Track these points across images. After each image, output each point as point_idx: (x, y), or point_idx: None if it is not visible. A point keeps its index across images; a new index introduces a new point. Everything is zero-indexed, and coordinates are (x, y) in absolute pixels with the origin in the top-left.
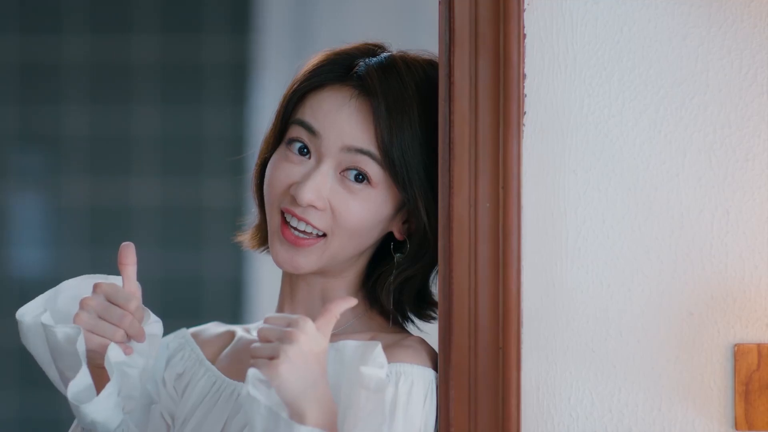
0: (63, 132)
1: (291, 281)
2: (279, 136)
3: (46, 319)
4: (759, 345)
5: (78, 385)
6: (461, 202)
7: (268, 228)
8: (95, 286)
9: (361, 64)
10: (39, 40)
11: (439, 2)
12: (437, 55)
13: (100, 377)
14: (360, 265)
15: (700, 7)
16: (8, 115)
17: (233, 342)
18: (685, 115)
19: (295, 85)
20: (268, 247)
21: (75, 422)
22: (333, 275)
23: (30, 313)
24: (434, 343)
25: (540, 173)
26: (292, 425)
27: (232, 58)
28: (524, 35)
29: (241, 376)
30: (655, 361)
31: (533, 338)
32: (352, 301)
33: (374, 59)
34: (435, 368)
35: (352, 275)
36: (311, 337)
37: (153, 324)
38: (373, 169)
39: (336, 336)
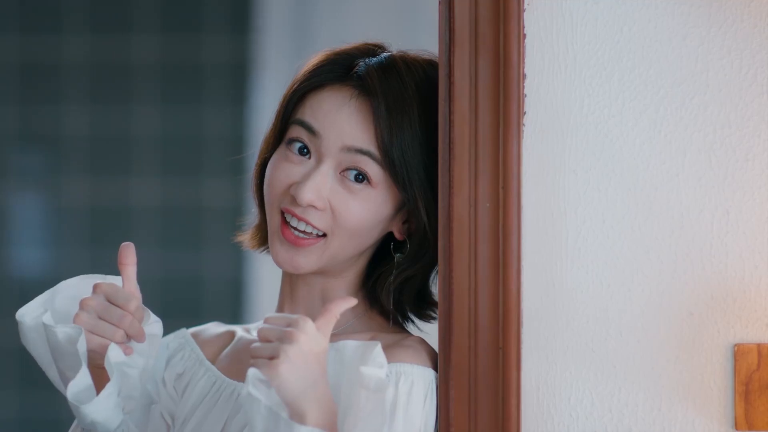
0: (63, 132)
1: (291, 281)
2: (279, 136)
3: (47, 319)
4: (759, 345)
5: (78, 385)
6: (461, 202)
7: (268, 228)
8: (95, 287)
9: (361, 64)
10: (39, 40)
11: (439, 2)
12: (437, 55)
13: (100, 377)
14: (360, 265)
15: (700, 7)
16: (8, 115)
17: (233, 342)
18: (685, 115)
19: (295, 85)
20: (268, 247)
21: (75, 422)
22: (333, 275)
23: (30, 314)
24: (434, 343)
25: (540, 173)
26: (292, 425)
27: (232, 58)
28: (524, 35)
29: (241, 376)
30: (655, 361)
31: (533, 338)
32: (352, 301)
33: (374, 59)
34: (435, 368)
35: (352, 275)
36: (311, 337)
37: (153, 324)
38: (373, 169)
39: (336, 336)
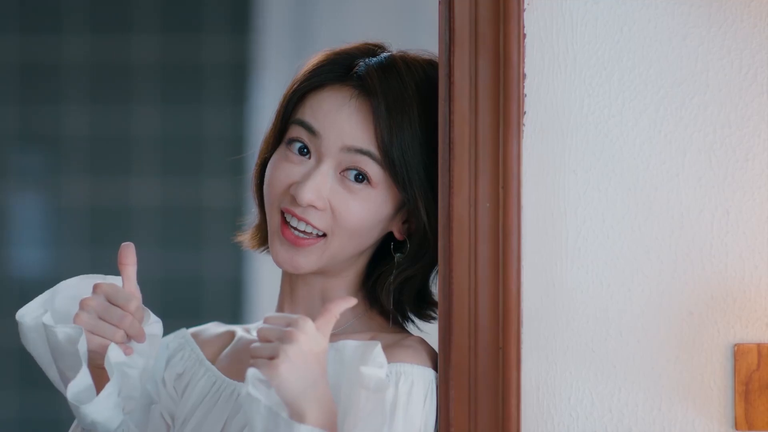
0: (63, 132)
1: (291, 281)
2: (279, 136)
3: (47, 319)
4: (759, 345)
5: (78, 385)
6: (461, 202)
7: (268, 228)
8: (95, 287)
9: (361, 64)
10: (39, 40)
11: (439, 2)
12: (437, 55)
13: (100, 378)
14: (360, 265)
15: (700, 7)
16: (8, 115)
17: (233, 342)
18: (685, 115)
19: (295, 85)
20: (268, 247)
21: (75, 422)
22: (333, 275)
23: (30, 314)
24: (434, 343)
25: (540, 173)
26: (292, 425)
27: (232, 58)
28: (524, 35)
29: (241, 376)
30: (655, 361)
31: (533, 338)
32: (352, 301)
33: (374, 59)
34: (435, 368)
35: (352, 275)
36: (311, 337)
37: (153, 324)
38: (373, 169)
39: (336, 336)
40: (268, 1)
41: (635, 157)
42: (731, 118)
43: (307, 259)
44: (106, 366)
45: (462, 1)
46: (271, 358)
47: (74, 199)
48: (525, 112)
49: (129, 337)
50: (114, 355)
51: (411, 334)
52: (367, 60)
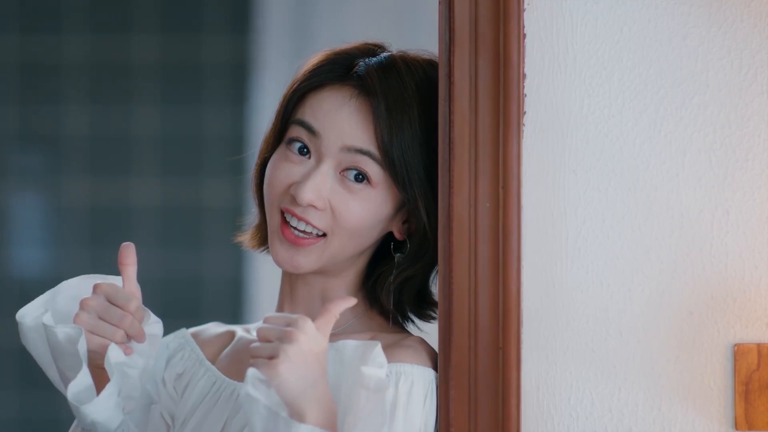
0: (63, 132)
1: (291, 281)
2: (279, 135)
3: (47, 319)
4: (759, 345)
5: (78, 385)
6: (461, 202)
7: (268, 228)
8: (95, 287)
9: (361, 64)
10: (39, 40)
11: (439, 2)
12: (437, 55)
13: (100, 378)
14: (360, 264)
15: (700, 7)
16: (8, 115)
17: (233, 342)
18: (685, 115)
19: (295, 85)
20: (268, 247)
21: (75, 422)
22: (333, 275)
23: (30, 314)
24: (434, 343)
25: (540, 173)
26: (292, 425)
27: (232, 58)
28: (524, 35)
29: (241, 376)
30: (655, 361)
31: (533, 338)
32: (352, 301)
33: (374, 59)
34: (435, 368)
35: (352, 275)
36: (311, 337)
37: (153, 324)
38: (373, 169)
39: (336, 336)
40: (268, 1)
41: (635, 157)
42: (731, 118)
43: (307, 259)
44: (106, 366)
45: (462, 1)
46: (271, 357)
47: (74, 199)
48: (525, 112)
49: (129, 337)
50: (114, 355)
51: (411, 334)
52: (367, 60)
